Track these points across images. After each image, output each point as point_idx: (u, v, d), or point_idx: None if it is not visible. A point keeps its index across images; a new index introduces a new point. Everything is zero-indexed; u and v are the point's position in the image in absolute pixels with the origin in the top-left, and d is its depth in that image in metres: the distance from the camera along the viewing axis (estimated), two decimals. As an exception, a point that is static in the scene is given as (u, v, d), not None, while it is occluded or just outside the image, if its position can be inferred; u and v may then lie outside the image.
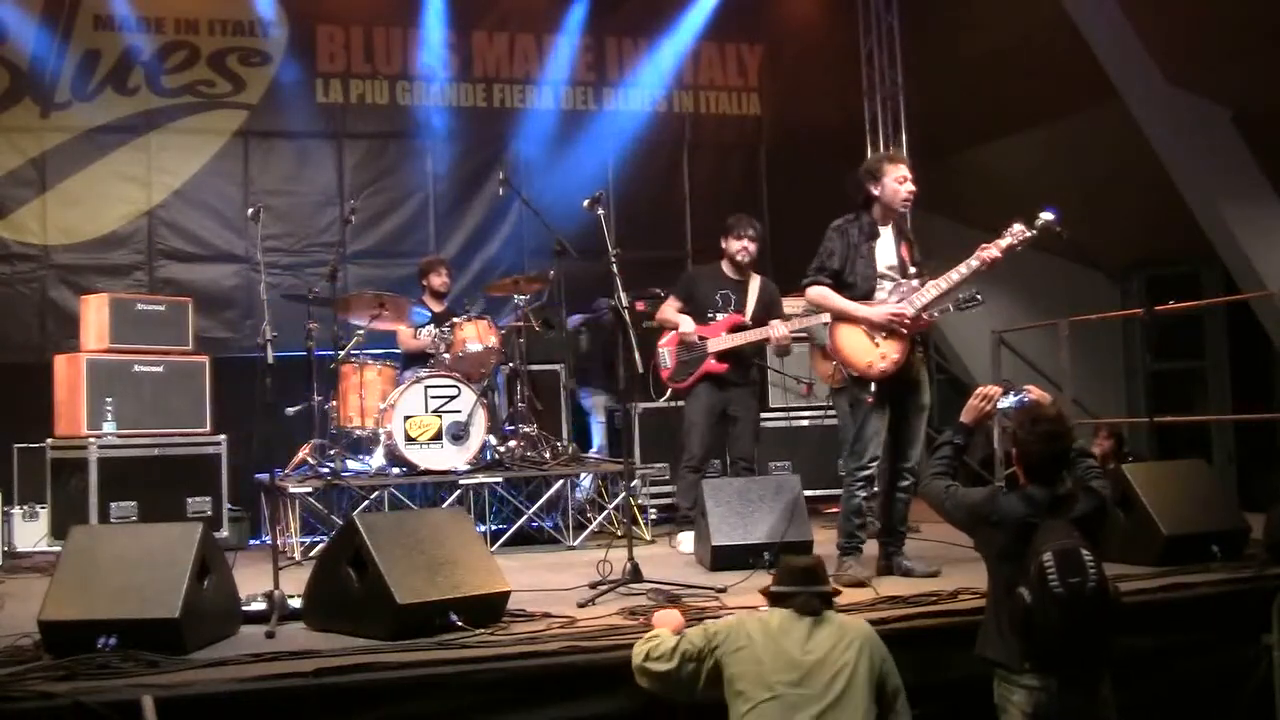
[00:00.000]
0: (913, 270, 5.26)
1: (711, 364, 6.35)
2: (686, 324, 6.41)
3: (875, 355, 5.11)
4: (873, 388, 5.10)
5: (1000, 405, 4.07)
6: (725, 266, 6.58)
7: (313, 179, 9.03)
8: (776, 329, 6.33)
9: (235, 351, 8.12)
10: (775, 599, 3.60)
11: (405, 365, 7.44)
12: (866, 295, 5.20)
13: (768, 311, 6.50)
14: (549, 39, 9.64)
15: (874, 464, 5.13)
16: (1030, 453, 3.68)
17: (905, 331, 5.10)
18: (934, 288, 5.15)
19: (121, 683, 3.46)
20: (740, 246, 6.49)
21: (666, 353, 6.51)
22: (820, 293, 5.22)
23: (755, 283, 6.57)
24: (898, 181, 5.21)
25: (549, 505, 6.98)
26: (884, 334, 5.11)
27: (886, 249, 5.26)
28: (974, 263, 5.12)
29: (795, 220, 9.44)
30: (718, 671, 3.46)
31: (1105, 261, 10.30)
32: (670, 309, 6.54)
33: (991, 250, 5.10)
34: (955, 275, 5.16)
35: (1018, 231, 5.10)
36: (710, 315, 6.45)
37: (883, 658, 3.49)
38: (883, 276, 5.22)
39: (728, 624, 3.57)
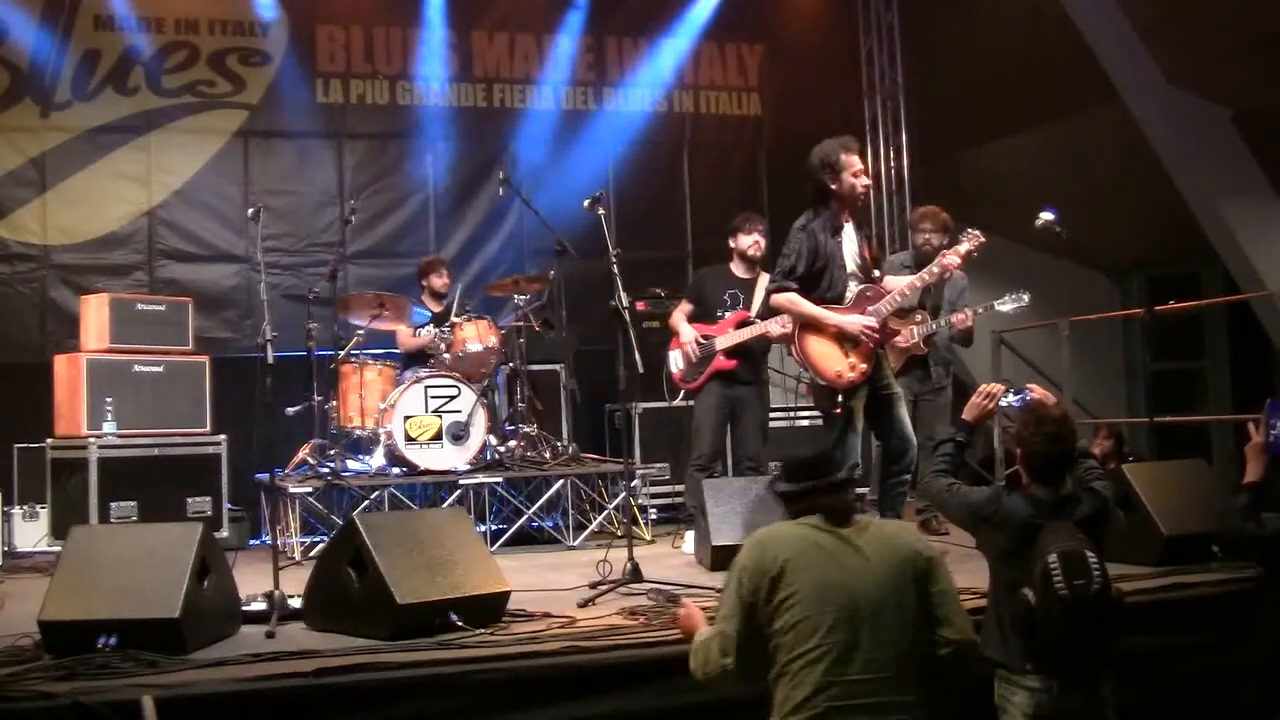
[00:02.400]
0: (877, 274, 5.21)
1: (721, 361, 6.35)
2: (686, 333, 6.42)
3: (844, 365, 5.06)
4: (839, 399, 5.07)
5: (1002, 403, 4.07)
6: (735, 266, 6.56)
7: (313, 179, 9.03)
8: (774, 326, 6.34)
9: (235, 351, 8.11)
10: (792, 501, 3.16)
11: (405, 365, 7.44)
12: (838, 299, 5.15)
13: (772, 309, 6.51)
14: (549, 39, 9.63)
15: (856, 470, 5.09)
16: (1035, 454, 3.67)
17: (872, 343, 5.07)
18: (898, 295, 5.12)
19: (121, 683, 3.46)
20: (752, 241, 6.47)
21: (677, 355, 6.51)
22: (789, 299, 5.13)
23: (763, 281, 6.56)
24: (854, 175, 5.12)
25: (549, 505, 6.98)
26: (853, 343, 5.06)
27: (850, 246, 5.19)
28: (935, 269, 5.13)
29: (795, 220, 9.49)
30: (764, 618, 2.97)
31: (1105, 261, 10.30)
32: (680, 315, 6.56)
33: (951, 258, 5.12)
34: (919, 282, 5.16)
35: (973, 236, 5.13)
36: (719, 314, 6.48)
37: (928, 559, 3.08)
38: (850, 276, 5.17)
39: (745, 554, 3.04)
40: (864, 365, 5.03)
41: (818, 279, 5.11)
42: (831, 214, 5.14)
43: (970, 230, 5.20)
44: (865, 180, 5.15)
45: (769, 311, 6.45)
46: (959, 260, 5.14)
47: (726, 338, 6.37)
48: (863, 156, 5.24)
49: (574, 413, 8.13)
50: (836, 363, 5.06)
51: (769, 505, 5.54)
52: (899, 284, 5.26)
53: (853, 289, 5.12)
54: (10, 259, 8.23)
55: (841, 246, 5.13)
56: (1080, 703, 3.42)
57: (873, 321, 5.01)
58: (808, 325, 5.12)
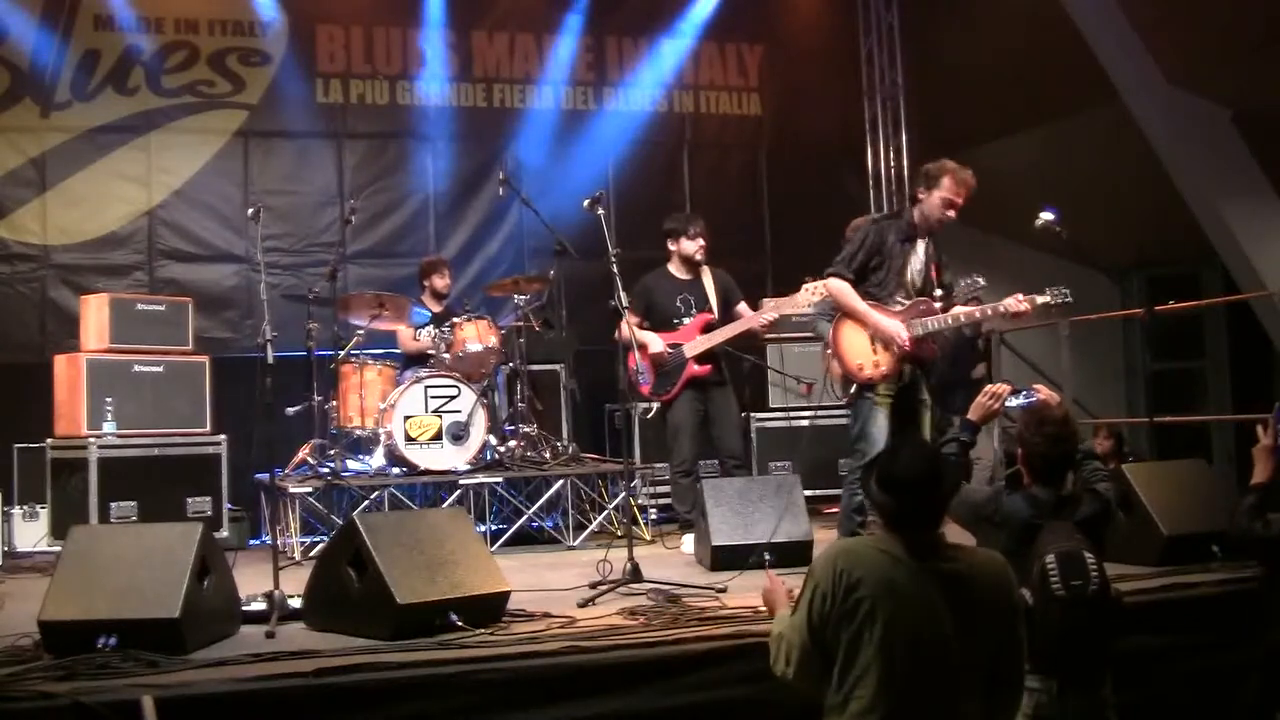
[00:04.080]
0: (939, 293, 5.23)
1: (694, 368, 6.36)
2: (656, 343, 6.38)
3: (868, 361, 5.14)
4: (851, 389, 5.17)
5: (1008, 404, 4.08)
6: (675, 268, 6.56)
7: (313, 179, 9.02)
8: (764, 315, 6.33)
9: (235, 351, 8.11)
10: (880, 511, 3.00)
11: (405, 365, 7.44)
12: (884, 300, 5.20)
13: (727, 302, 6.52)
14: (549, 39, 9.62)
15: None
16: (1036, 454, 3.68)
17: (900, 352, 5.11)
18: (949, 318, 5.13)
19: (121, 683, 3.45)
20: (698, 246, 6.49)
21: (645, 366, 6.45)
22: (839, 286, 5.23)
23: (708, 277, 6.56)
24: (945, 203, 5.10)
25: (549, 505, 6.98)
26: (884, 344, 5.12)
27: (916, 260, 5.24)
28: (1001, 309, 5.07)
29: (795, 220, 9.48)
30: (830, 637, 2.87)
31: (1105, 261, 10.30)
32: (633, 327, 6.20)
33: (1025, 305, 4.99)
34: (977, 314, 5.16)
35: (1059, 293, 4.96)
36: (675, 321, 6.46)
37: (1010, 612, 2.92)
38: (904, 285, 5.21)
39: (821, 570, 2.90)
40: (885, 369, 5.11)
41: (871, 274, 5.22)
42: (908, 222, 5.21)
43: (1060, 288, 4.98)
44: (951, 213, 5.10)
45: (724, 307, 6.46)
46: (1029, 309, 5.02)
47: (694, 345, 6.36)
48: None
49: (574, 413, 8.12)
50: (861, 356, 5.16)
51: (767, 506, 5.56)
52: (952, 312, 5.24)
53: (902, 300, 5.16)
54: (10, 259, 8.23)
55: (908, 255, 5.19)
56: (1079, 703, 3.43)
57: (905, 333, 5.06)
58: (848, 315, 5.23)
